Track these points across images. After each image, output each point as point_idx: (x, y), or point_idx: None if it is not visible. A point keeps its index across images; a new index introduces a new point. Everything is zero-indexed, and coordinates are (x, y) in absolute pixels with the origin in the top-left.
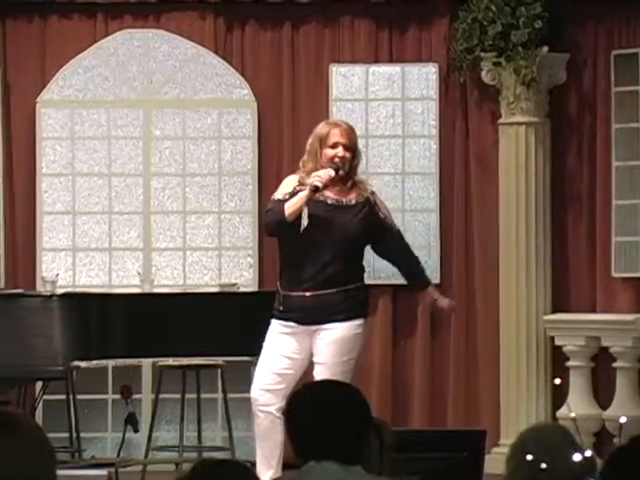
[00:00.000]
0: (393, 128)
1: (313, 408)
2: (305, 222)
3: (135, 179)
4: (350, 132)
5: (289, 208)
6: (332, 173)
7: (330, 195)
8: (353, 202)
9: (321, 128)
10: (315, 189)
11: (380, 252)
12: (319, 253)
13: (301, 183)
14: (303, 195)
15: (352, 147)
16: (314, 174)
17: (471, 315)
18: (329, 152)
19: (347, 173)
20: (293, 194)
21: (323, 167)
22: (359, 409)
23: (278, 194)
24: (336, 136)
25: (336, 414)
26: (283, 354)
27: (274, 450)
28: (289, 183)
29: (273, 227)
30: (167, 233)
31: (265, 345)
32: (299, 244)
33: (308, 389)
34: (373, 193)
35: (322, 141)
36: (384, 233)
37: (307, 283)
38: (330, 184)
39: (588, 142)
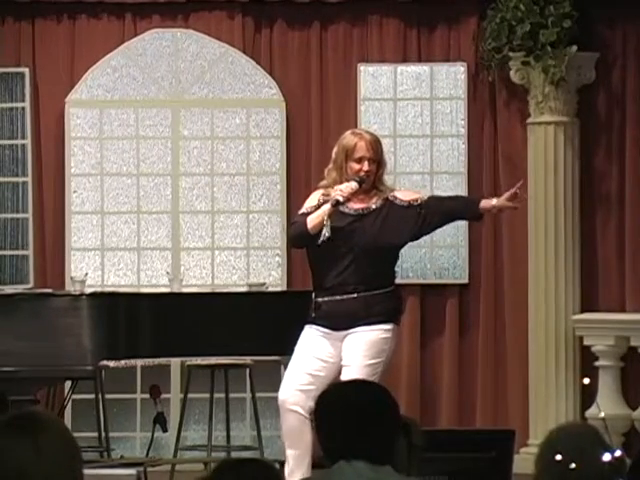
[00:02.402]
0: (421, 128)
1: (342, 408)
2: (326, 234)
3: (163, 179)
4: (375, 144)
5: (312, 221)
6: (354, 186)
7: (353, 206)
8: (373, 207)
9: (347, 140)
10: (336, 203)
11: (432, 227)
12: (344, 261)
13: (326, 196)
14: (325, 208)
15: (377, 159)
16: (337, 187)
17: (499, 315)
18: (355, 166)
19: (372, 183)
20: (318, 207)
21: (348, 179)
22: (388, 408)
23: (303, 208)
24: (362, 150)
25: (365, 414)
26: (317, 356)
27: (305, 452)
28: (314, 197)
29: (296, 239)
30: (195, 233)
31: (298, 348)
32: (325, 254)
33: (337, 389)
34: (392, 191)
35: (348, 154)
36: (417, 215)
37: (334, 290)
38: (353, 196)
39: (617, 141)
